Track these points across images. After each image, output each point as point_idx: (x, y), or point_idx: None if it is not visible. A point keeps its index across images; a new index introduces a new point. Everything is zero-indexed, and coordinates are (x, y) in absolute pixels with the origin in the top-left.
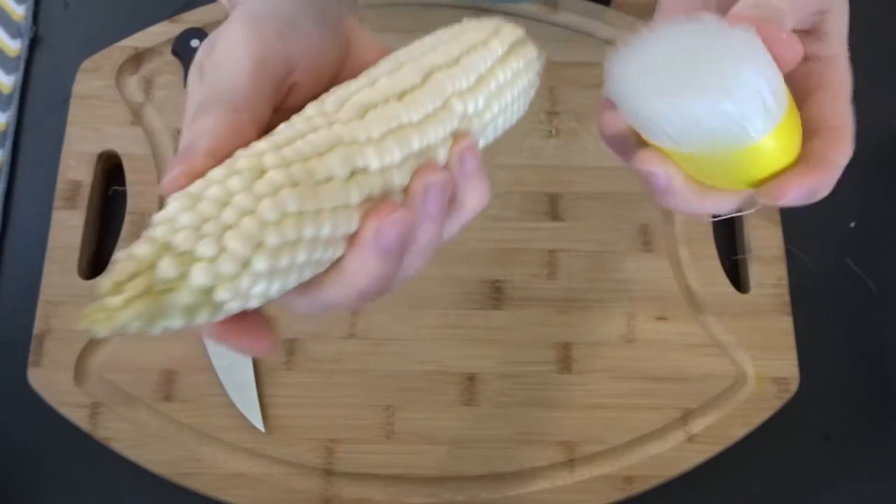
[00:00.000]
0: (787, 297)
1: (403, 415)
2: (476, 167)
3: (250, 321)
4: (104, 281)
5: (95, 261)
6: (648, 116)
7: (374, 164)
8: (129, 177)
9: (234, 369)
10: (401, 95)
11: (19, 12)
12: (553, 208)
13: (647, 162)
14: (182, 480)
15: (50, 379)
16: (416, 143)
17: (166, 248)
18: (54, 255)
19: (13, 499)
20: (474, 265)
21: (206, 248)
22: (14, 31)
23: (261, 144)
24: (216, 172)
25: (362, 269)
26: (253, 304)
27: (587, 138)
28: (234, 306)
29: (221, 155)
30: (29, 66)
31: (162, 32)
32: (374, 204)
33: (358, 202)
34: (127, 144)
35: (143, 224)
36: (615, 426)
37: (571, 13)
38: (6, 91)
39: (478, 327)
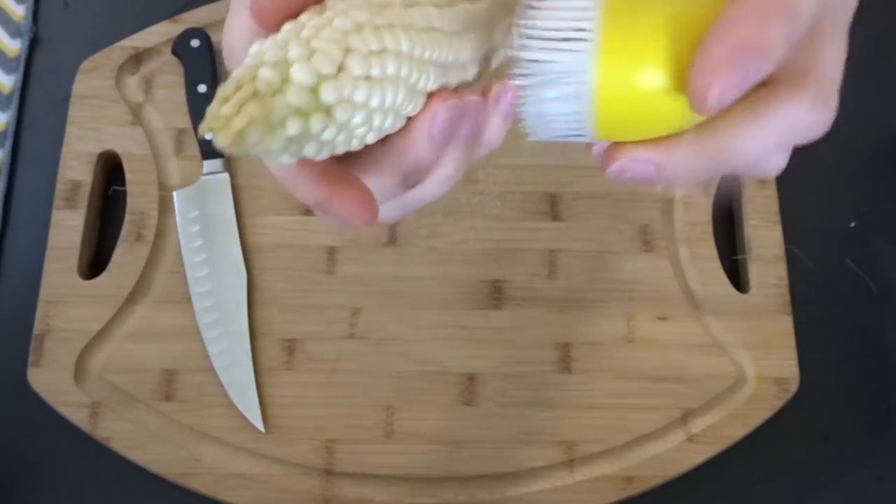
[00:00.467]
0: (787, 297)
1: (403, 415)
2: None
3: (356, 186)
4: (212, 104)
5: (95, 261)
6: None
7: None
8: (129, 177)
9: (234, 369)
10: None
11: (19, 12)
12: (553, 208)
13: (609, 161)
14: (182, 480)
15: (50, 379)
16: None
17: (260, 64)
18: (54, 255)
19: (13, 499)
20: (474, 265)
21: (296, 51)
22: (14, 31)
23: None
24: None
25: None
26: (359, 117)
27: None
28: (343, 116)
29: None
30: (29, 66)
31: (162, 32)
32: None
33: (423, 27)
34: (127, 144)
35: (142, 224)
36: (615, 426)
37: None
38: (6, 91)
39: (478, 327)
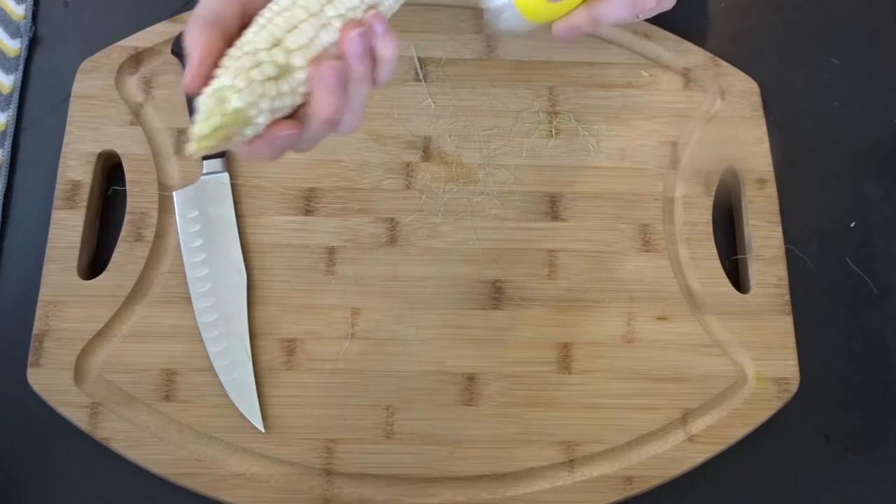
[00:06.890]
0: (787, 297)
1: (403, 415)
2: (383, 30)
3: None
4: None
5: (95, 261)
6: None
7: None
8: (129, 177)
9: (234, 369)
10: None
11: (19, 12)
12: (553, 208)
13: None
14: (182, 480)
15: (49, 379)
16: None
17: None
18: (54, 255)
19: (13, 499)
20: (474, 265)
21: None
22: (14, 31)
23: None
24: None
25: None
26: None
27: (587, 138)
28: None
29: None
30: (29, 66)
31: (162, 32)
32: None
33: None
34: (126, 144)
35: (142, 224)
36: (615, 426)
37: None
38: (6, 91)
39: (478, 327)
